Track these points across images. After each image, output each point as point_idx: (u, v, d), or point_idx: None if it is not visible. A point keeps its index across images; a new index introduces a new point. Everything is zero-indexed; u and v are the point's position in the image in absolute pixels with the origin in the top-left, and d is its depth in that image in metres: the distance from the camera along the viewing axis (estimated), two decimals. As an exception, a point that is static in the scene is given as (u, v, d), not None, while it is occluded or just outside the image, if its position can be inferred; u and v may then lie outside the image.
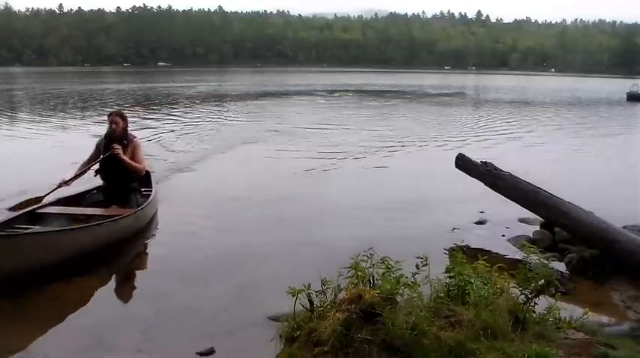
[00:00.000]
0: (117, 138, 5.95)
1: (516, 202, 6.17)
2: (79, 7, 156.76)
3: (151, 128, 15.92)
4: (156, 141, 13.40)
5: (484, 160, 6.56)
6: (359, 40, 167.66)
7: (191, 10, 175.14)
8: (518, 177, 6.14)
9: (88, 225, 5.10)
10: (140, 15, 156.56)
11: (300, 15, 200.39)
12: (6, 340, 3.68)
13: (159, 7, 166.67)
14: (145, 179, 6.66)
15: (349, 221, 6.83)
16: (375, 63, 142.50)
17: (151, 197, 6.34)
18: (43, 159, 10.85)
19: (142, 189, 6.48)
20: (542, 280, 3.29)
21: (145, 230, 6.04)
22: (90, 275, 4.88)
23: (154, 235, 6.14)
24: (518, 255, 5.10)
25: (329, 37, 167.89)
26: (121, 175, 6.00)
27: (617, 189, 8.76)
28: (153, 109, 22.58)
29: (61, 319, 4.08)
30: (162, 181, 8.91)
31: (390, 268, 3.21)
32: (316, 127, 16.46)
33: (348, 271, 3.19)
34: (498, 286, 3.30)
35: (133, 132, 6.38)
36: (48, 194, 5.66)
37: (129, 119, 6.35)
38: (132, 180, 6.15)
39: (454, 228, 6.50)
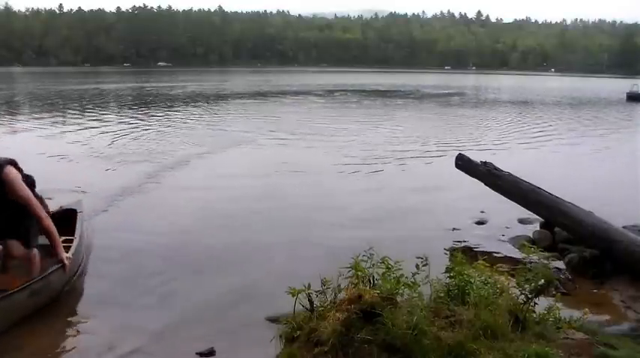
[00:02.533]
0: None
1: (516, 202, 6.17)
2: (79, 7, 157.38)
3: (148, 127, 15.96)
4: (150, 140, 13.42)
5: (484, 160, 6.56)
6: (359, 39, 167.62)
7: (191, 10, 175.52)
8: (518, 177, 6.14)
9: None
10: (140, 15, 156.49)
11: (300, 15, 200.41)
12: (7, 342, 3.68)
13: (159, 7, 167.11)
14: (65, 222, 4.83)
15: (349, 221, 6.83)
16: (375, 63, 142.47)
17: (70, 250, 4.42)
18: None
19: (62, 238, 4.41)
20: (542, 280, 3.28)
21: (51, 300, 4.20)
22: (92, 278, 4.89)
23: (152, 233, 6.12)
24: (518, 255, 5.11)
25: (329, 37, 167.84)
26: (12, 223, 4.03)
27: (617, 189, 8.76)
28: (147, 110, 22.57)
29: (62, 320, 4.09)
30: (153, 182, 8.93)
31: (390, 268, 3.20)
32: (316, 128, 16.45)
33: (348, 271, 3.18)
34: (498, 286, 3.30)
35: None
36: None
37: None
38: (32, 228, 4.13)
39: (454, 228, 6.50)
